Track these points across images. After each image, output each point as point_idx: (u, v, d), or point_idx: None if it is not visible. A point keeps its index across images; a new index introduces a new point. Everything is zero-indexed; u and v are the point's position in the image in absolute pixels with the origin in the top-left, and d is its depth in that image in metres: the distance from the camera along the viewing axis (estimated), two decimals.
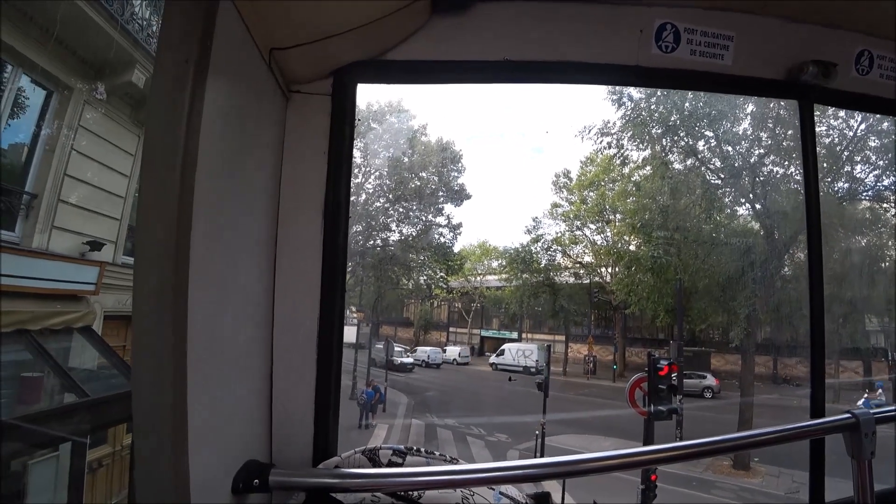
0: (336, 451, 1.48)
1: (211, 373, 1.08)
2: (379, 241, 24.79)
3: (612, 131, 19.77)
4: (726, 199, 18.65)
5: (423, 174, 24.78)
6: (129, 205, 8.46)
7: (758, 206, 17.58)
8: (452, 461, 1.37)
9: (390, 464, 1.35)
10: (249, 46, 1.20)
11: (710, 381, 20.65)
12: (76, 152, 7.34)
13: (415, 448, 1.39)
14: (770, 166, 17.56)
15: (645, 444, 10.52)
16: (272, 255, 1.48)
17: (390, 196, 24.46)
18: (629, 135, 19.36)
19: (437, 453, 1.41)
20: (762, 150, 17.60)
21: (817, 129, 15.33)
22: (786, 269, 17.03)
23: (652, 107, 18.40)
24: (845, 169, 16.18)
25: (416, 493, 1.28)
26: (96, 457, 7.14)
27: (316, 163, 1.53)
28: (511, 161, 41.29)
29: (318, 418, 1.49)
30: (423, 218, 25.30)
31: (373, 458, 1.35)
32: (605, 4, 1.68)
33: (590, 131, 20.50)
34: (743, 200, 18.38)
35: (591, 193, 24.20)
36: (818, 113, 14.17)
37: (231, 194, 1.18)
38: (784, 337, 19.81)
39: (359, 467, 1.34)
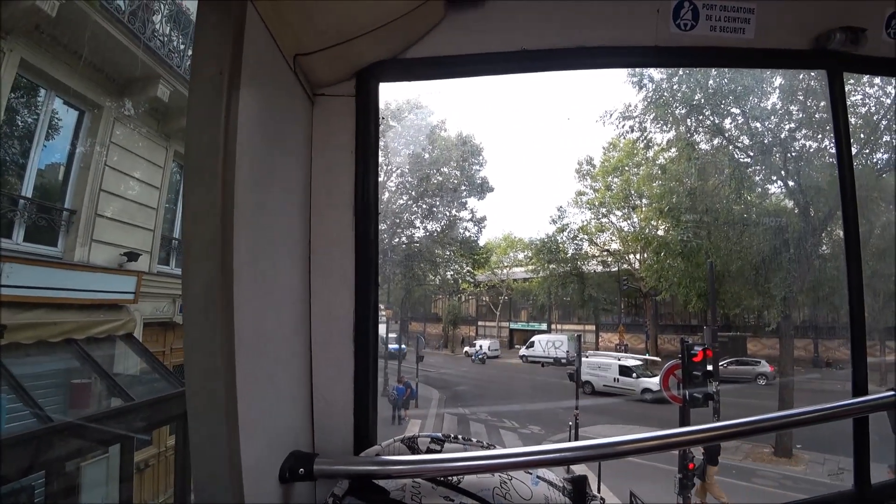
0: (376, 440, 1.52)
1: (257, 366, 1.13)
2: (404, 239, 25.01)
3: (634, 114, 19.36)
4: (757, 178, 18.07)
5: (445, 169, 24.84)
6: (161, 216, 8.77)
7: (791, 183, 16.97)
8: (489, 447, 1.40)
9: (429, 451, 1.38)
10: (275, 54, 1.25)
11: (764, 367, 19.71)
12: (109, 168, 7.63)
13: (452, 435, 1.42)
14: (802, 141, 16.92)
15: None
16: (307, 253, 1.53)
17: (413, 193, 24.60)
18: (652, 117, 18.92)
19: (475, 440, 1.44)
20: (793, 125, 16.96)
21: (852, 99, 14.67)
22: (824, 247, 16.39)
23: (674, 87, 17.92)
24: (884, 139, 15.41)
25: (455, 479, 1.31)
26: (143, 458, 7.44)
27: (344, 162, 1.57)
28: (533, 151, 41.02)
29: (357, 408, 1.54)
30: (447, 213, 25.40)
31: (412, 446, 1.39)
32: None
33: (611, 116, 20.14)
34: (774, 178, 17.80)
35: (616, 179, 23.83)
36: (852, 82, 13.53)
37: (267, 196, 1.23)
38: (825, 318, 19.10)
39: (398, 455, 1.38)
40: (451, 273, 27.10)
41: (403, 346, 24.07)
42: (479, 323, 30.79)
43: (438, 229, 25.33)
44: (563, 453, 1.29)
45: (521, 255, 29.07)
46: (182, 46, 8.43)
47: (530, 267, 27.36)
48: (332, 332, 1.54)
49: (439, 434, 1.41)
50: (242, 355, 1.03)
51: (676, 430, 1.45)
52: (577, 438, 13.81)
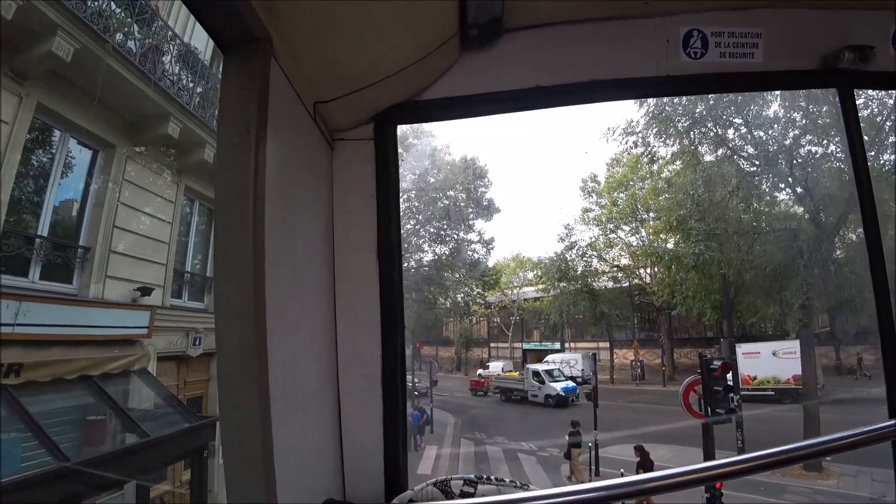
0: (407, 484, 1.50)
1: (289, 418, 1.12)
2: (413, 263, 24.98)
3: (637, 130, 19.43)
4: (764, 186, 17.94)
5: (451, 192, 25.01)
6: (174, 250, 8.87)
7: (799, 190, 16.83)
8: (523, 487, 1.36)
9: (462, 494, 1.35)
10: (296, 104, 1.27)
11: None
12: (122, 204, 7.78)
13: (485, 477, 1.39)
14: (807, 147, 16.83)
15: (705, 449, 10.07)
16: (332, 298, 1.54)
17: (420, 217, 24.75)
18: (654, 131, 18.96)
19: (508, 480, 1.41)
20: (797, 131, 16.90)
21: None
22: (838, 251, 16.15)
23: (675, 100, 17.99)
24: (890, 139, 15.30)
25: None
26: (158, 493, 7.38)
27: (365, 205, 1.59)
28: (537, 170, 41.24)
29: (387, 452, 1.52)
30: (455, 236, 25.47)
31: (445, 490, 1.36)
32: (629, 20, 1.69)
33: (614, 132, 20.25)
34: (782, 185, 17.67)
35: (621, 195, 23.78)
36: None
37: (293, 246, 1.24)
38: (845, 324, 18.68)
39: (432, 499, 1.35)
40: (462, 295, 26.94)
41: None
42: (492, 344, 30.38)
43: (447, 252, 25.34)
44: (598, 493, 1.25)
45: (530, 275, 28.81)
46: (191, 84, 8.67)
47: (540, 286, 27.09)
48: (360, 377, 1.53)
49: (472, 476, 1.38)
50: (277, 408, 1.03)
51: (708, 465, 1.40)
52: (597, 459, 13.56)
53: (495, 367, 27.14)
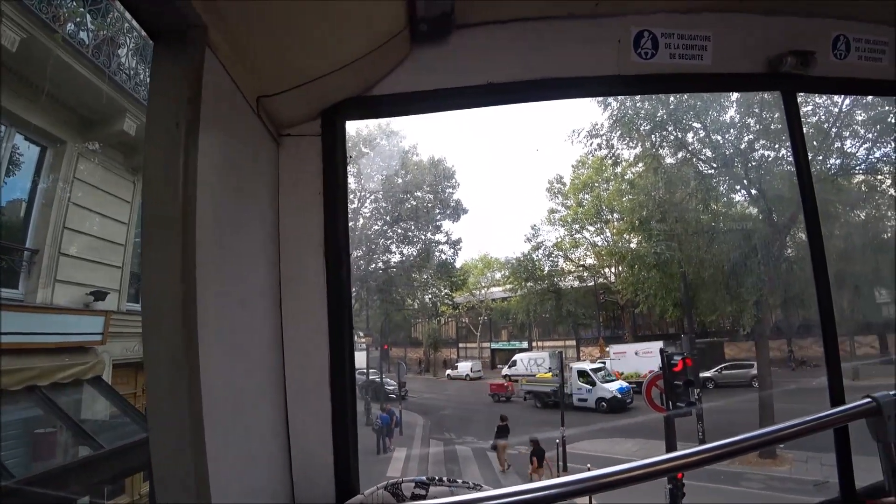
0: (358, 488, 1.47)
1: (228, 427, 1.07)
2: (381, 264, 24.79)
3: (601, 132, 19.91)
4: (721, 188, 18.74)
5: (419, 193, 24.99)
6: (130, 252, 8.51)
7: (753, 192, 17.64)
8: (476, 487, 1.35)
9: (414, 497, 1.34)
10: (237, 98, 1.22)
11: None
12: (73, 204, 7.41)
13: (437, 478, 1.37)
14: (761, 150, 17.67)
15: (667, 442, 10.39)
16: (278, 300, 1.49)
17: (388, 218, 24.59)
18: (618, 134, 19.49)
19: (461, 481, 1.40)
20: (751, 136, 17.71)
21: (804, 110, 15.45)
22: (789, 250, 17.01)
23: (637, 104, 18.55)
24: (836, 145, 16.23)
25: None
26: None
27: (312, 204, 1.55)
28: (505, 171, 41.65)
29: (337, 456, 1.49)
30: (423, 237, 25.42)
31: (396, 493, 1.34)
32: (581, 19, 1.72)
33: (579, 135, 20.68)
34: (738, 187, 18.49)
35: (587, 196, 24.32)
36: (803, 94, 14.20)
37: (233, 246, 1.19)
38: (796, 318, 19.68)
39: (383, 503, 1.33)
40: (430, 296, 26.90)
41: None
42: (461, 345, 30.42)
43: (415, 253, 25.27)
44: (553, 490, 1.25)
45: (498, 275, 29.15)
46: (149, 79, 8.32)
47: (508, 286, 27.45)
48: (308, 380, 1.50)
49: (424, 478, 1.37)
50: (211, 417, 0.98)
51: (665, 457, 1.43)
52: (565, 457, 13.78)
53: (464, 367, 27.30)
